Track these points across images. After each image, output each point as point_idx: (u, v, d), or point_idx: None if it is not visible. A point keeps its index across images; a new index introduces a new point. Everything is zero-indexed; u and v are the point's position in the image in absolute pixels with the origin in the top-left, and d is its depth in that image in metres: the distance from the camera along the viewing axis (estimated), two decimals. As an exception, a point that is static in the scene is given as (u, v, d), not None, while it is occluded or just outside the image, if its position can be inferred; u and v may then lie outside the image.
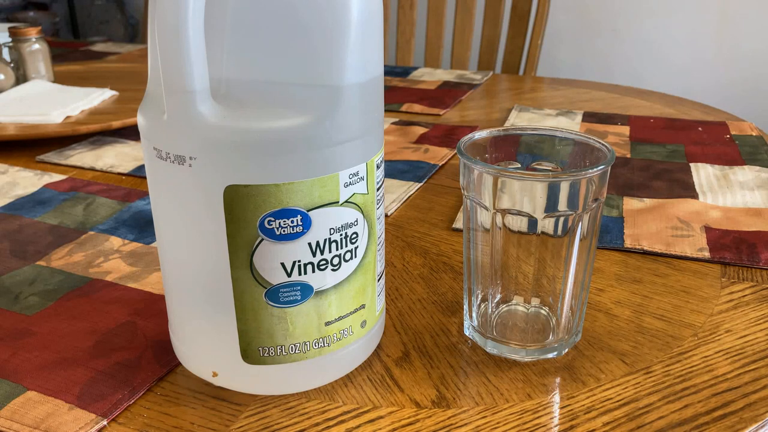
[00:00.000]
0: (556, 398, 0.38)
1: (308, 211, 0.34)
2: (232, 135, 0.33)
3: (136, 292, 0.49)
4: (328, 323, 0.37)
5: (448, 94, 1.05)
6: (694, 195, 0.65)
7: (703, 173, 0.70)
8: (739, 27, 2.10)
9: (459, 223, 0.61)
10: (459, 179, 0.47)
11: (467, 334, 0.44)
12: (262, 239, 0.34)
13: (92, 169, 0.75)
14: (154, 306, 0.47)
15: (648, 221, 0.59)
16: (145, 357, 0.42)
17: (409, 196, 0.67)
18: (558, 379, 0.40)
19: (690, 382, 0.39)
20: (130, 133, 0.87)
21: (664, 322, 0.45)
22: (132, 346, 0.43)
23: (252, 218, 0.34)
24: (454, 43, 1.45)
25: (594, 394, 0.39)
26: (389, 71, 1.21)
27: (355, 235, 0.37)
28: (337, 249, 0.36)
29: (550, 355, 0.42)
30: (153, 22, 0.32)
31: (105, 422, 0.37)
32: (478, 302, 0.43)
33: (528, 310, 0.43)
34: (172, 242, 0.37)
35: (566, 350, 0.42)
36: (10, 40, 1.03)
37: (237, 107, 0.33)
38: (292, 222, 0.34)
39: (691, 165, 0.73)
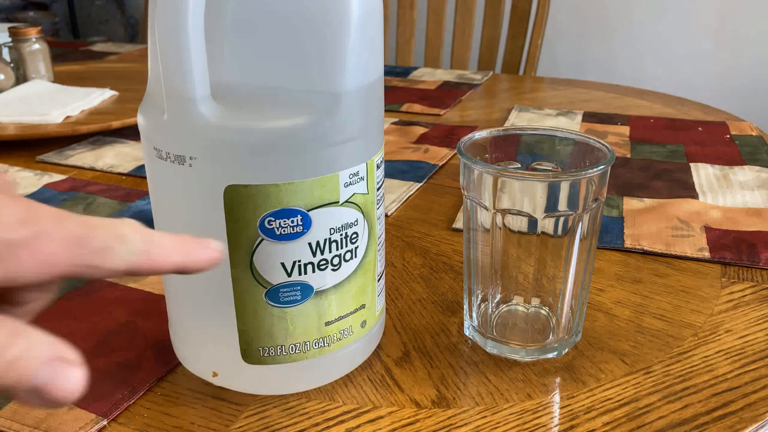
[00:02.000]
0: (556, 398, 0.38)
1: (308, 211, 0.34)
2: (232, 135, 0.33)
3: (136, 292, 0.49)
4: (328, 323, 0.37)
5: (448, 94, 1.05)
6: (694, 195, 0.65)
7: (703, 173, 0.70)
8: (739, 27, 2.10)
9: (459, 223, 0.61)
10: (459, 179, 0.47)
11: (467, 334, 0.44)
12: (262, 239, 0.34)
13: (92, 169, 0.75)
14: (154, 306, 0.47)
15: (648, 221, 0.59)
16: (145, 357, 0.42)
17: (409, 196, 0.67)
18: (558, 379, 0.40)
19: (690, 382, 0.39)
20: (130, 133, 0.87)
21: (664, 322, 0.45)
22: (132, 346, 0.43)
23: (252, 218, 0.34)
24: (454, 43, 1.45)
25: (594, 394, 0.39)
26: (389, 71, 1.21)
27: (355, 235, 0.37)
28: (337, 249, 0.36)
29: (550, 355, 0.42)
30: (153, 23, 0.32)
31: (105, 422, 0.37)
32: (478, 302, 0.43)
33: (528, 310, 0.43)
34: (172, 242, 0.37)
35: (566, 350, 0.42)
36: (10, 40, 1.03)
37: (237, 107, 0.33)
38: (292, 222, 0.34)
39: (691, 165, 0.73)
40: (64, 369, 0.21)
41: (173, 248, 0.26)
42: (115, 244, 0.24)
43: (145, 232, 0.25)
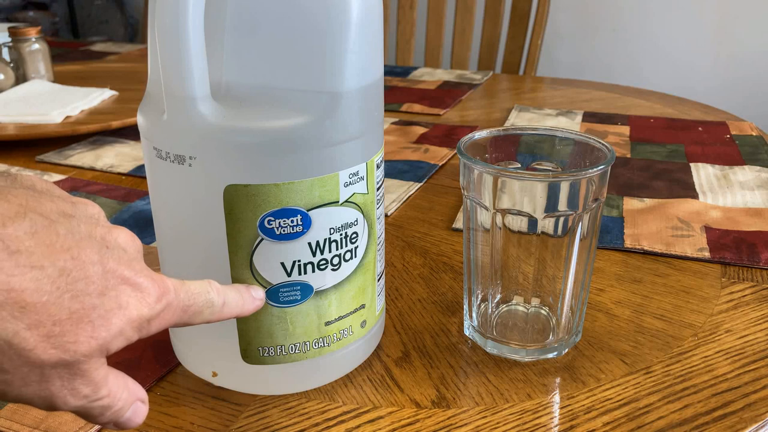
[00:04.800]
0: (556, 398, 0.38)
1: (308, 210, 0.34)
2: (232, 135, 0.33)
3: (136, 292, 0.49)
4: (328, 323, 0.37)
5: (448, 94, 1.05)
6: (694, 195, 0.65)
7: (703, 173, 0.70)
8: (739, 27, 2.10)
9: (459, 223, 0.60)
10: (459, 179, 0.47)
11: (467, 334, 0.44)
12: (262, 239, 0.34)
13: (92, 169, 0.75)
14: (154, 306, 0.47)
15: (648, 221, 0.59)
16: (145, 357, 0.42)
17: (409, 196, 0.67)
18: (558, 379, 0.40)
19: (690, 382, 0.39)
20: (130, 133, 0.87)
21: (664, 322, 0.45)
22: (132, 346, 0.43)
23: (252, 218, 0.34)
24: (454, 43, 1.45)
25: (594, 394, 0.39)
26: (389, 71, 1.21)
27: (355, 235, 0.37)
28: (337, 249, 0.36)
29: (550, 355, 0.42)
30: (153, 23, 0.32)
31: (105, 422, 0.37)
32: (478, 302, 0.43)
33: (528, 310, 0.43)
34: (172, 242, 0.37)
35: (566, 350, 0.42)
36: (10, 40, 1.03)
37: (237, 107, 0.33)
38: (292, 222, 0.34)
39: (691, 165, 0.73)
40: (140, 408, 0.28)
41: (236, 304, 0.32)
42: (204, 308, 0.30)
43: (221, 293, 0.31)
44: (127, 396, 0.28)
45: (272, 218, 0.34)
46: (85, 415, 0.27)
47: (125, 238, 0.27)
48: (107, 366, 0.27)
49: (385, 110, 0.97)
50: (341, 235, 0.36)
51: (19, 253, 0.22)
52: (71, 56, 1.37)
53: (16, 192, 0.25)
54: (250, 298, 0.33)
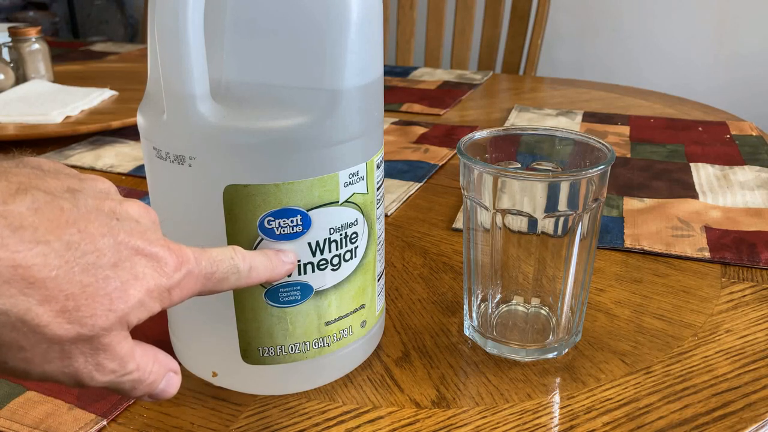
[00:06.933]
0: (556, 398, 0.38)
1: (308, 210, 0.34)
2: (232, 135, 0.33)
3: (136, 292, 0.49)
4: (327, 323, 0.37)
5: (448, 94, 1.05)
6: (694, 195, 0.65)
7: (703, 173, 0.70)
8: (739, 27, 2.10)
9: (459, 223, 0.60)
10: (459, 179, 0.47)
11: (467, 334, 0.44)
12: (262, 239, 0.34)
13: (92, 169, 0.75)
14: (154, 306, 0.47)
15: (648, 221, 0.59)
16: (144, 357, 0.42)
17: (409, 196, 0.67)
18: (558, 379, 0.40)
19: (690, 382, 0.39)
20: (130, 133, 0.87)
21: (664, 322, 0.45)
22: (132, 346, 0.43)
23: (252, 218, 0.34)
24: (454, 43, 1.45)
25: (594, 394, 0.39)
26: (389, 71, 1.21)
27: (354, 235, 0.37)
28: (336, 249, 0.36)
29: (550, 355, 0.42)
30: (152, 23, 0.32)
31: (105, 422, 0.37)
32: (478, 302, 0.43)
33: (528, 310, 0.43)
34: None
35: (566, 350, 0.42)
36: (10, 40, 1.03)
37: (237, 107, 0.33)
38: (292, 222, 0.34)
39: (691, 165, 0.73)
40: (173, 378, 0.28)
41: (265, 268, 0.32)
42: (229, 275, 0.30)
43: (248, 259, 0.31)
44: (158, 368, 0.27)
45: (272, 218, 0.34)
46: (117, 390, 0.26)
47: (137, 209, 0.27)
48: (132, 340, 0.26)
49: (385, 110, 0.97)
50: (341, 235, 0.36)
51: (23, 228, 0.22)
52: (71, 56, 1.37)
53: (18, 171, 0.24)
54: (279, 262, 0.33)
